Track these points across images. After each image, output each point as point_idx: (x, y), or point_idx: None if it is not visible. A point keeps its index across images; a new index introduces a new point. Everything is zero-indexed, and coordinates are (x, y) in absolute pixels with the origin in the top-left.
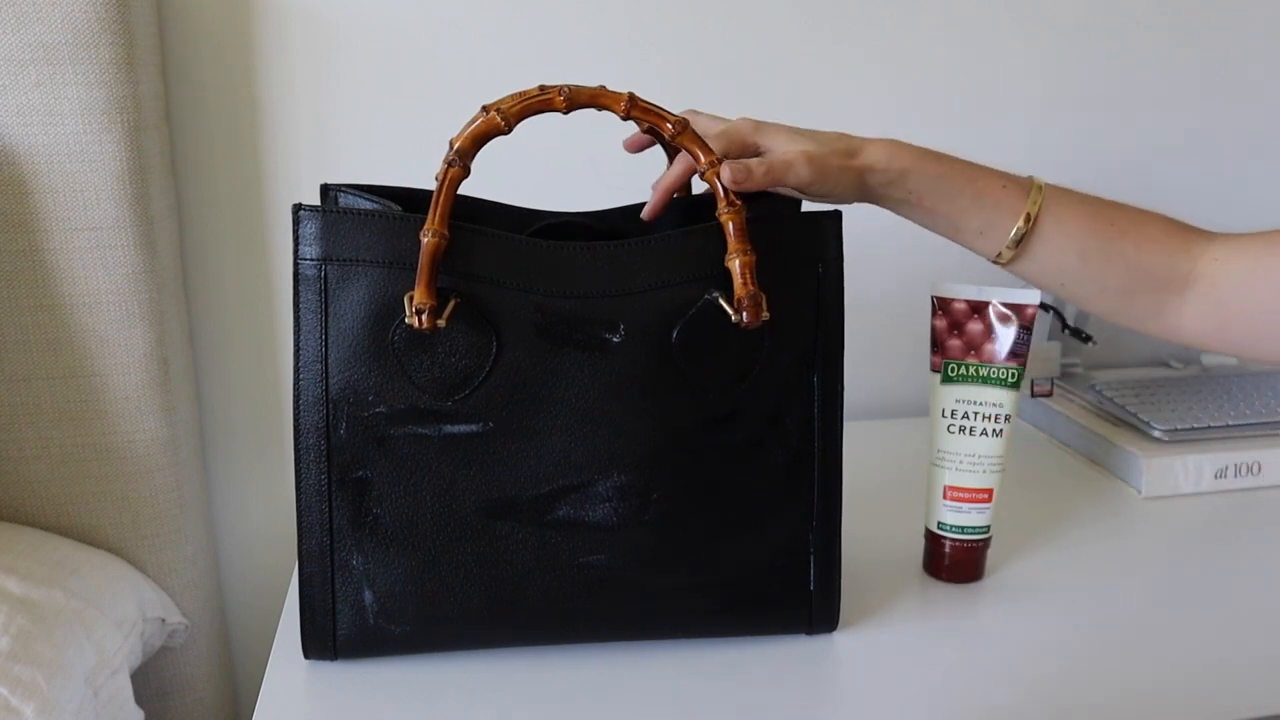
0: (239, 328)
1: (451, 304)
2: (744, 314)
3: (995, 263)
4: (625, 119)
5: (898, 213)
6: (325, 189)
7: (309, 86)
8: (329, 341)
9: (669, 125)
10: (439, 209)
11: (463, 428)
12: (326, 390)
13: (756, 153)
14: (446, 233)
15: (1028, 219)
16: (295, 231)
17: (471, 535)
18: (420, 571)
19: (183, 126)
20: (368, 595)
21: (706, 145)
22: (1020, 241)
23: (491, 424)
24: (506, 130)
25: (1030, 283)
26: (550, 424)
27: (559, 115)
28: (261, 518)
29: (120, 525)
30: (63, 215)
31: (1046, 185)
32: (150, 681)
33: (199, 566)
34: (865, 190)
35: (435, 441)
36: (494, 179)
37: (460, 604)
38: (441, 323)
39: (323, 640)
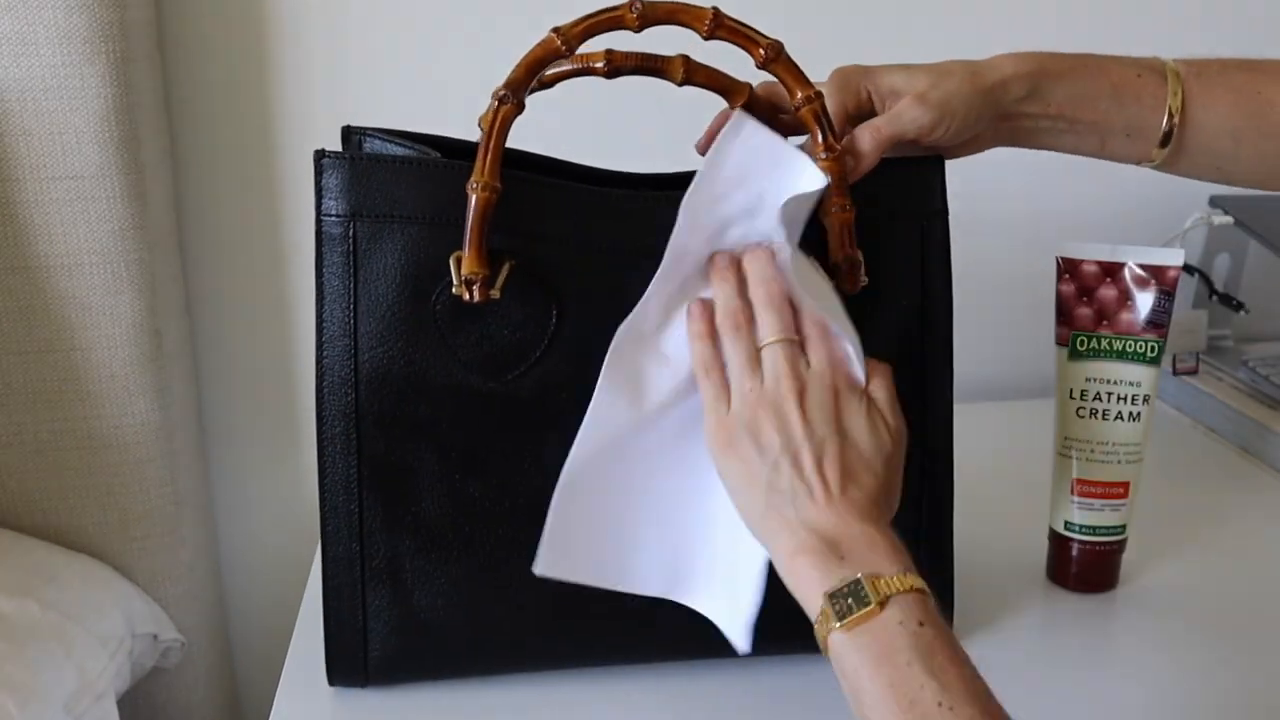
0: (244, 294)
1: (506, 268)
2: (841, 281)
3: (1144, 164)
4: (708, 39)
5: (1036, 143)
6: (348, 132)
7: (324, 10)
8: (358, 312)
9: (760, 50)
10: (489, 156)
11: (517, 412)
12: (356, 369)
13: (866, 100)
14: (499, 185)
15: (1171, 114)
16: (318, 183)
17: (527, 537)
18: (467, 580)
19: (178, 58)
20: (406, 609)
21: (804, 77)
22: (1170, 137)
23: (550, 407)
24: (567, 54)
25: (1183, 176)
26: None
27: (603, 77)
28: (270, 517)
29: (105, 525)
30: (37, 162)
31: (1179, 64)
32: (140, 708)
33: (197, 574)
34: (1001, 117)
35: (483, 428)
36: (544, 137)
37: (514, 618)
38: (495, 293)
39: (351, 663)
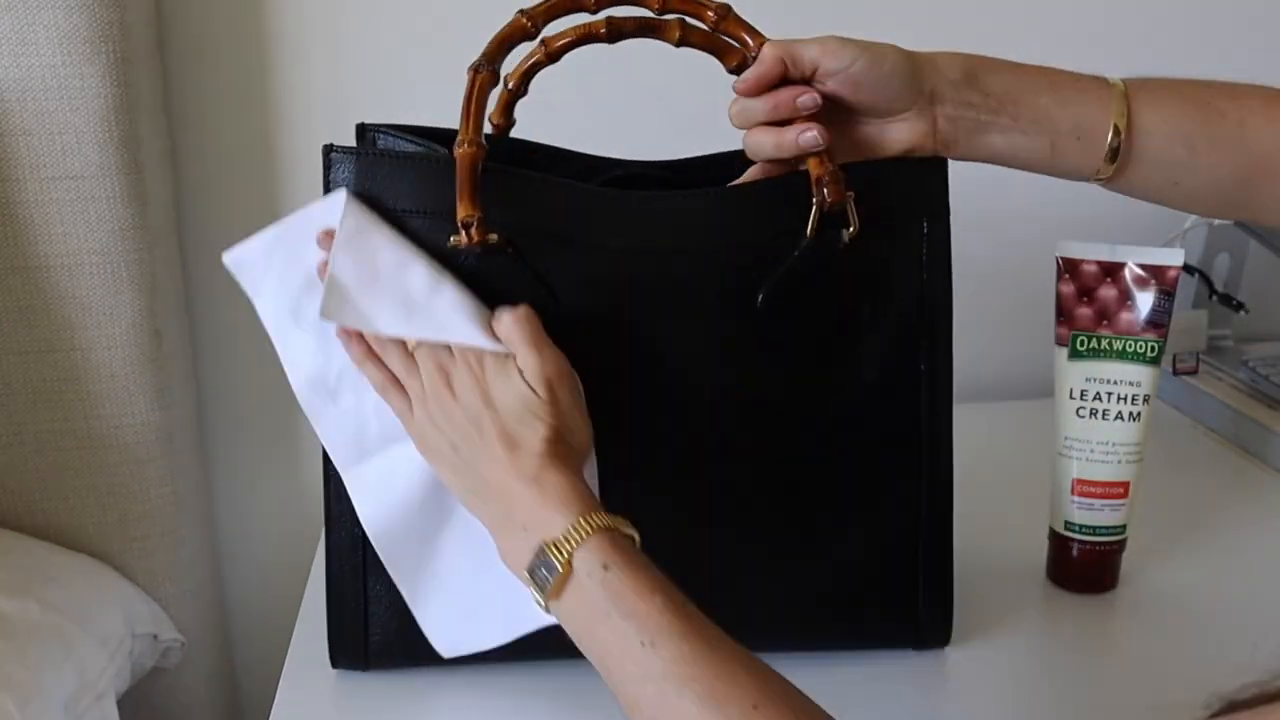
0: (244, 294)
1: (496, 237)
2: (826, 191)
3: (1099, 179)
4: (661, 13)
5: (985, 144)
6: (363, 129)
7: (324, 10)
8: None
9: (709, 13)
10: (471, 118)
11: None
12: None
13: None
14: (483, 142)
15: (1122, 111)
16: (326, 177)
17: None
18: None
19: (178, 58)
20: None
21: (754, 30)
22: (1122, 136)
23: None
24: (534, 33)
25: (1141, 196)
26: (615, 402)
27: (620, 52)
28: (271, 516)
29: (105, 525)
30: (37, 161)
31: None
32: (140, 708)
33: (197, 573)
34: (937, 99)
35: None
36: (550, 124)
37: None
38: (493, 238)
39: (353, 646)
